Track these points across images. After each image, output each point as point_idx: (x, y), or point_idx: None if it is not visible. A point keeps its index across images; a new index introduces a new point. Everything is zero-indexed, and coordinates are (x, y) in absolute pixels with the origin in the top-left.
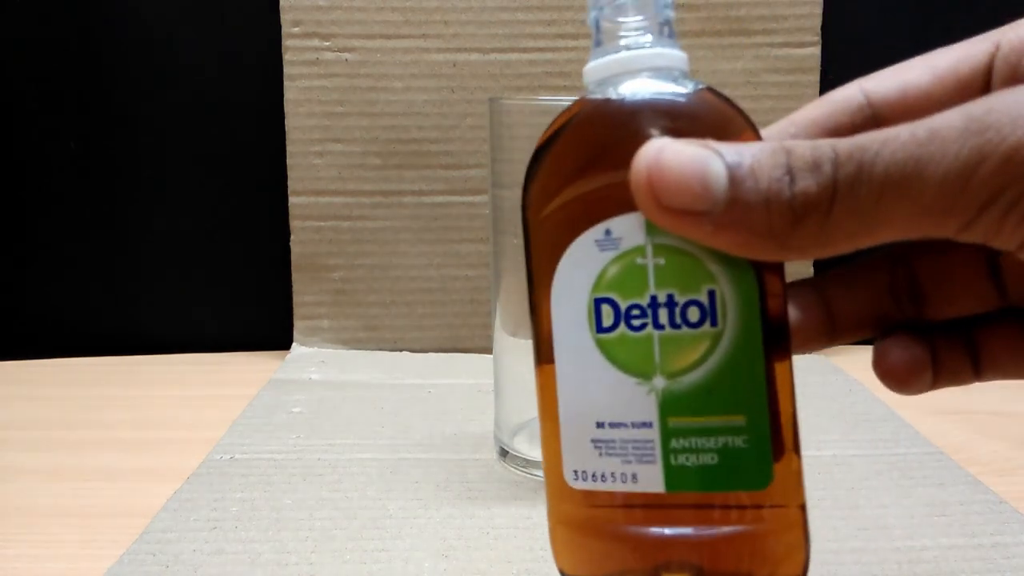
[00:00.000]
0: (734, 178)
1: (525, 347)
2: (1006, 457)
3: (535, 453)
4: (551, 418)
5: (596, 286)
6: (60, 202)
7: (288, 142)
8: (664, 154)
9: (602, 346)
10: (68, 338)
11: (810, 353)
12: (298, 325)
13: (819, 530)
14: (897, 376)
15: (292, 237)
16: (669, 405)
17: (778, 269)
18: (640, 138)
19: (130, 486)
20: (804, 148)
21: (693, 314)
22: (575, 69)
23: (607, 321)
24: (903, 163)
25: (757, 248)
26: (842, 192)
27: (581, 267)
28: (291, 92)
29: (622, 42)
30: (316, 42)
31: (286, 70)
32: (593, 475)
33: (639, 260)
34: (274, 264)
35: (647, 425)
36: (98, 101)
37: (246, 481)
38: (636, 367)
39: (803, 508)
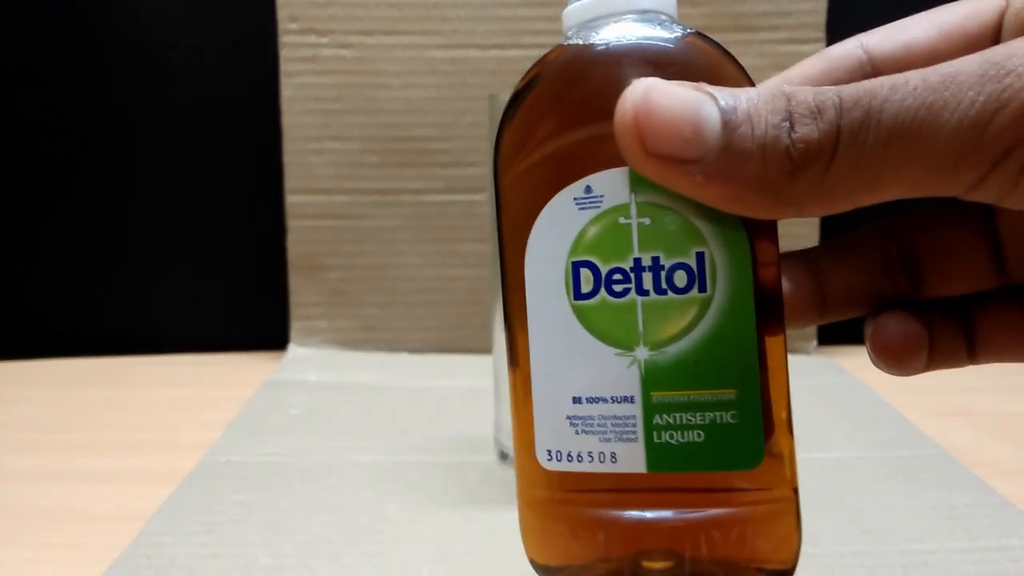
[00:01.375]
0: (728, 123)
1: None
2: (1012, 459)
3: None
4: (523, 394)
5: (574, 249)
6: (55, 202)
7: (285, 140)
8: (653, 94)
9: (580, 314)
10: (64, 339)
11: (799, 329)
12: (295, 326)
13: (823, 533)
14: (893, 353)
15: (289, 236)
16: (652, 378)
17: (772, 233)
18: (624, 87)
19: (125, 488)
20: (806, 93)
21: (680, 279)
22: None
23: (586, 287)
24: (913, 110)
25: (751, 202)
26: (846, 140)
27: (558, 228)
28: (288, 89)
29: None
30: (313, 38)
31: (283, 67)
32: (569, 455)
33: (622, 219)
34: (271, 264)
35: (628, 400)
36: (94, 99)
37: (242, 484)
38: (617, 337)
39: (795, 492)
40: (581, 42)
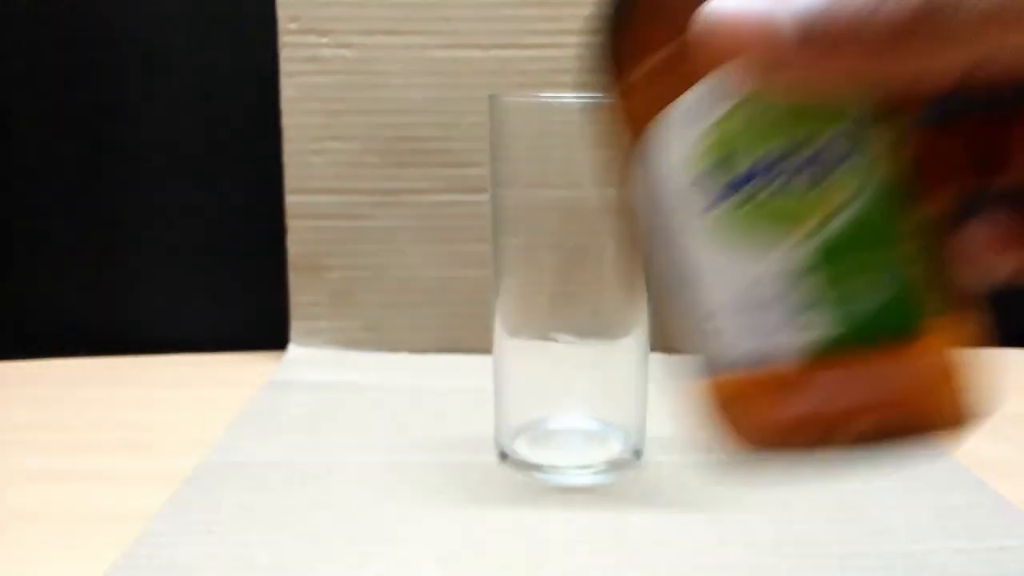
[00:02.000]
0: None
1: (525, 348)
2: (1012, 459)
3: (535, 456)
4: (668, 309)
5: (711, 148)
6: (55, 202)
7: (285, 140)
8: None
9: (731, 215)
10: (64, 339)
11: (945, 199)
12: (296, 326)
13: (824, 533)
14: (988, 247)
15: (289, 236)
16: (811, 262)
17: (904, 107)
18: None
19: (126, 488)
20: None
21: (829, 159)
22: (576, 66)
23: (720, 194)
24: None
25: (871, 69)
26: None
27: (685, 134)
28: (288, 89)
29: None
30: (314, 38)
31: (283, 67)
32: (744, 352)
33: (760, 108)
34: (271, 264)
35: (793, 287)
36: (94, 98)
37: (243, 484)
38: (774, 228)
39: (967, 360)
40: None
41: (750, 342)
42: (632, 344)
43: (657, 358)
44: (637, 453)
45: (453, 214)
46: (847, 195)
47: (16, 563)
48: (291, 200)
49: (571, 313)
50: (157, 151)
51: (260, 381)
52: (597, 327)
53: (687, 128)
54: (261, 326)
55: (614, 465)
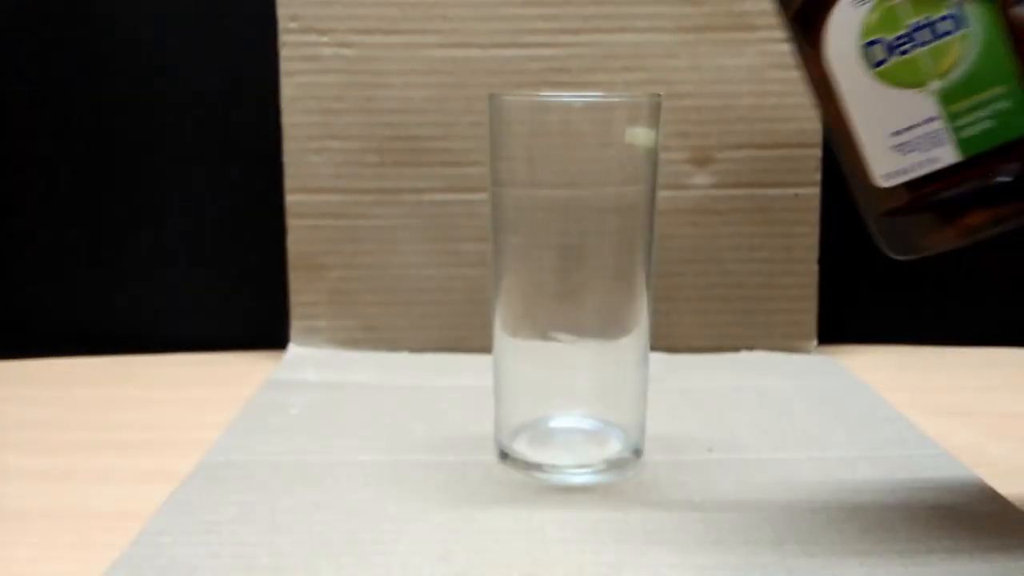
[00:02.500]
0: None
1: (525, 348)
2: (1013, 459)
3: (535, 455)
4: (849, 147)
5: (864, 33)
6: (53, 200)
7: (285, 139)
8: None
9: (882, 77)
10: (61, 338)
11: None
12: (295, 325)
13: (823, 532)
14: None
15: (289, 236)
16: (947, 98)
17: None
18: None
19: (125, 488)
20: None
21: (946, 26)
22: (577, 65)
23: (880, 56)
24: None
25: None
26: None
27: (846, 23)
28: (288, 88)
29: None
30: (313, 37)
31: (283, 66)
32: (900, 170)
33: (891, 2)
34: (270, 263)
35: (933, 119)
36: (93, 97)
37: (243, 483)
38: (914, 81)
39: None
40: None
41: (913, 154)
42: (632, 344)
43: (657, 358)
44: (637, 453)
45: (453, 213)
46: (963, 50)
47: (14, 562)
48: (291, 199)
49: (571, 313)
50: (156, 150)
51: (259, 380)
52: (597, 327)
53: (857, 9)
54: (261, 325)
55: (614, 465)
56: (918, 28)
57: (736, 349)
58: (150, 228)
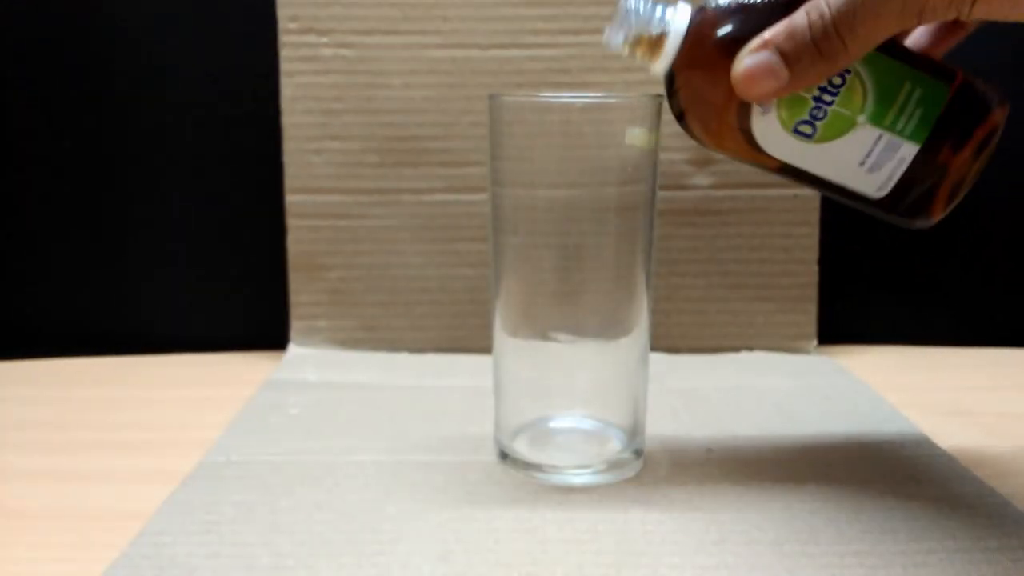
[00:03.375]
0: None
1: (525, 348)
2: (1012, 459)
3: (535, 455)
4: (838, 190)
5: (785, 125)
6: (53, 200)
7: (285, 139)
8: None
9: (822, 140)
10: (61, 338)
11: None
12: (295, 325)
13: (823, 532)
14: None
15: (289, 236)
16: (877, 119)
17: (884, 45)
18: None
19: (125, 488)
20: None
21: (836, 79)
22: (576, 65)
23: (809, 130)
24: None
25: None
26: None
27: (769, 127)
28: (288, 89)
29: None
30: (313, 38)
31: (283, 66)
32: (885, 181)
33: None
34: (271, 263)
35: (880, 137)
36: (93, 98)
37: (242, 484)
38: (846, 127)
39: None
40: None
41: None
42: (632, 344)
43: (657, 358)
44: (637, 453)
45: (452, 213)
46: (862, 83)
47: (14, 562)
48: (291, 199)
49: (571, 313)
50: (157, 150)
51: (259, 380)
52: (597, 327)
53: (768, 114)
54: (261, 325)
55: (614, 465)
56: (820, 93)
57: (736, 349)
58: (150, 228)
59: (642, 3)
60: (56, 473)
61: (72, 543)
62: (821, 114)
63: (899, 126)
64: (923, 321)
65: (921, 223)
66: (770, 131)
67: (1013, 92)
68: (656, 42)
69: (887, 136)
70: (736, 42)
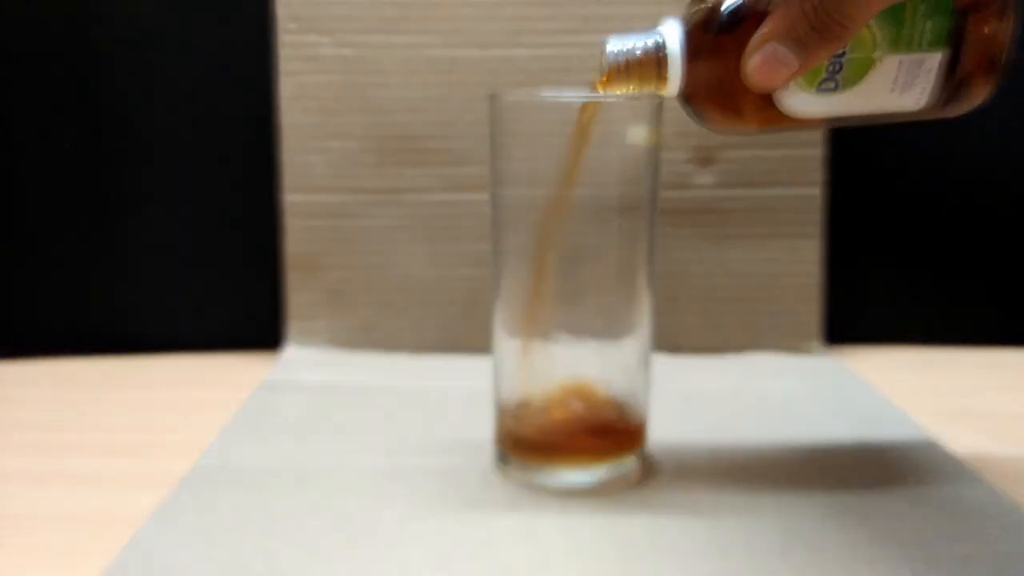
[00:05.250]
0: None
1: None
2: (1019, 461)
3: (535, 458)
4: (882, 117)
5: (808, 87)
6: (50, 200)
7: (283, 138)
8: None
9: (845, 87)
10: (60, 339)
11: None
12: (292, 326)
13: (830, 538)
14: None
15: (287, 236)
16: (894, 46)
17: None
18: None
19: (118, 491)
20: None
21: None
22: (576, 64)
23: (831, 85)
24: None
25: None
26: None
27: (794, 96)
28: (287, 88)
29: None
30: (313, 37)
31: (282, 65)
32: (920, 94)
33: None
34: (268, 263)
35: (902, 61)
36: (91, 97)
37: (238, 486)
38: (865, 68)
39: None
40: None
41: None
42: (634, 344)
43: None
44: (639, 456)
45: (452, 213)
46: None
47: (8, 566)
48: (289, 199)
49: (571, 313)
50: (155, 150)
51: (256, 381)
52: (598, 328)
53: (790, 87)
54: (258, 326)
55: (614, 468)
56: (840, 60)
57: (740, 350)
58: (148, 228)
59: (626, 42)
60: (49, 475)
61: (65, 547)
62: (838, 67)
63: (915, 44)
64: (929, 321)
65: (971, 105)
66: (796, 100)
67: (1013, 93)
68: (658, 69)
69: (907, 57)
70: (737, 24)
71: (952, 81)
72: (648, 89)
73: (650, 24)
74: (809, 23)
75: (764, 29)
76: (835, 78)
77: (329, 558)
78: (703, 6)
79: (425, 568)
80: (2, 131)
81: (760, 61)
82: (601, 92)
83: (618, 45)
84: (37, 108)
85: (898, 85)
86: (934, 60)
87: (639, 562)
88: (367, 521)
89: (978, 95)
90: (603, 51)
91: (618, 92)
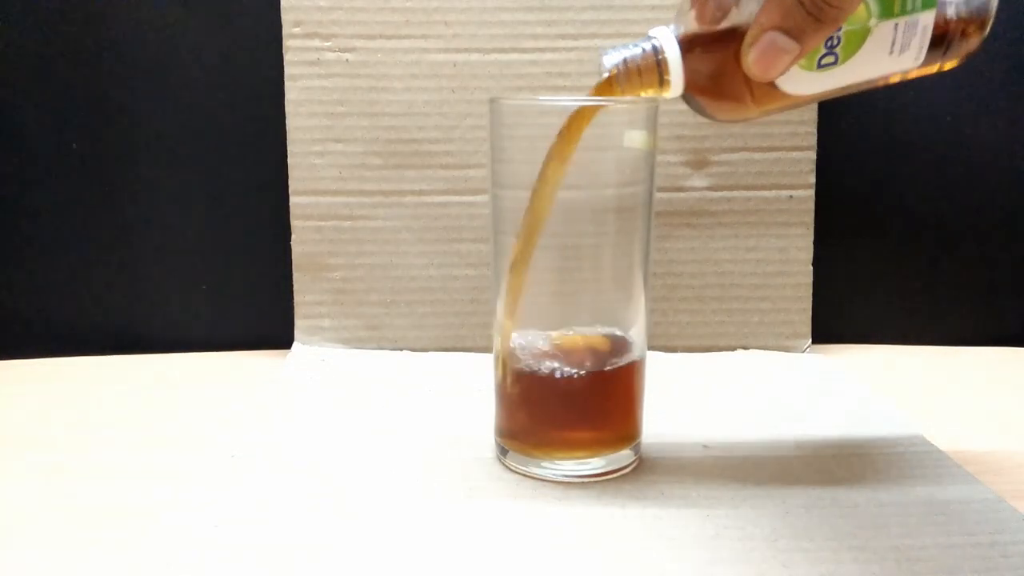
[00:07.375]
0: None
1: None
2: (1004, 455)
3: (534, 452)
4: (883, 80)
5: (809, 66)
6: (60, 201)
7: (289, 142)
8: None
9: (845, 57)
10: (66, 338)
11: None
12: (299, 324)
13: (817, 528)
14: None
15: (293, 237)
16: (887, 11)
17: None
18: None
19: (129, 487)
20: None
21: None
22: (575, 69)
23: (831, 59)
24: None
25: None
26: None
27: (794, 77)
28: (292, 92)
29: None
30: (317, 42)
31: (287, 70)
32: (916, 51)
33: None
34: (275, 264)
35: (897, 24)
36: (99, 100)
37: (244, 482)
38: (862, 37)
39: None
40: None
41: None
42: (632, 343)
43: (654, 356)
44: (634, 450)
45: (454, 215)
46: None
47: (15, 562)
48: (295, 201)
49: (571, 312)
50: (163, 153)
51: (263, 379)
52: (597, 326)
53: (792, 70)
54: (265, 325)
55: (612, 462)
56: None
57: (732, 348)
58: (156, 229)
59: (623, 53)
60: (58, 473)
61: (72, 543)
62: (836, 41)
63: (908, 7)
64: (917, 320)
65: (967, 53)
66: (798, 80)
67: (1014, 94)
68: (659, 74)
69: (902, 21)
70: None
71: (948, 33)
72: (650, 93)
73: (645, 31)
74: (804, 9)
75: (760, 20)
76: (834, 52)
77: (333, 550)
78: (695, 4)
79: (427, 560)
80: (10, 132)
81: (759, 52)
82: (603, 99)
83: (616, 56)
84: (45, 110)
85: (896, 47)
86: (928, 17)
87: (635, 551)
88: (372, 512)
89: (972, 43)
90: (601, 63)
91: (621, 98)
